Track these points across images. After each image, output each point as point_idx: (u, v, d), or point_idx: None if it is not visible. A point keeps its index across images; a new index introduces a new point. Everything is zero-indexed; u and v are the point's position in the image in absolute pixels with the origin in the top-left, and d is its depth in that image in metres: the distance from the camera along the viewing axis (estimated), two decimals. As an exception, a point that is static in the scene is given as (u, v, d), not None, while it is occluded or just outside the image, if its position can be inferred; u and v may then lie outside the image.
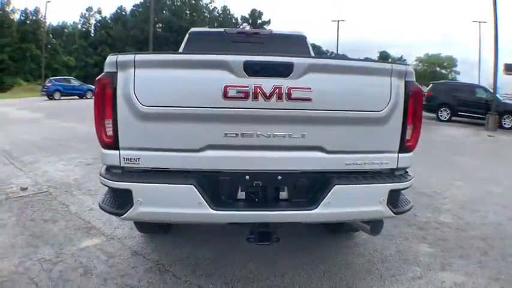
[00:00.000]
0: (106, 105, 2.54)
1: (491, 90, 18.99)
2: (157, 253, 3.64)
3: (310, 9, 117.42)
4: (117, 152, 2.59)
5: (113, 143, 2.58)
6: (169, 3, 70.17)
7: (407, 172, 2.88)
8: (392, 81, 2.68)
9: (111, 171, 2.66)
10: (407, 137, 2.77)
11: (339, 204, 2.58)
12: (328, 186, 2.59)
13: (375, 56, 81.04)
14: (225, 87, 2.50)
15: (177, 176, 2.57)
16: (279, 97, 2.53)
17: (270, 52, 5.12)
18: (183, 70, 2.57)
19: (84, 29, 68.90)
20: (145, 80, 2.52)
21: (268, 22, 73.79)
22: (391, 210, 2.67)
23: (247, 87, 2.51)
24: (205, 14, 70.59)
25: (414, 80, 2.75)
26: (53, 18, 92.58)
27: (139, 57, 2.54)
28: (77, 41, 66.11)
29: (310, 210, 2.56)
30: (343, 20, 62.68)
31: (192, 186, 2.48)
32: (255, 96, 2.52)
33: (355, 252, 3.81)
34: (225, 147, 2.60)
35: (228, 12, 73.80)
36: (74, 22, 69.24)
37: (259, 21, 72.04)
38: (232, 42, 5.33)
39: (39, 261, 3.41)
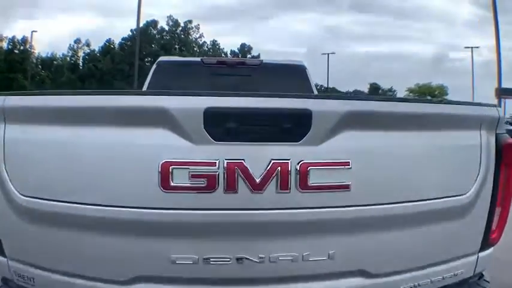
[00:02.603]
0: None
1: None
2: None
3: (299, 43, 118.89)
4: (5, 259, 1.55)
5: None
6: (158, 37, 70.16)
7: (483, 276, 1.82)
8: (481, 137, 1.63)
9: (6, 284, 1.61)
10: (494, 226, 1.73)
11: None
12: None
13: (366, 88, 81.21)
14: (164, 166, 1.37)
15: None
16: (283, 184, 1.41)
17: (261, 88, 3.84)
18: (90, 128, 1.46)
19: (72, 61, 68.21)
20: (24, 147, 1.46)
21: (258, 56, 73.88)
22: None
23: (214, 165, 1.39)
24: (195, 49, 70.43)
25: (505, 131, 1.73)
26: (42, 48, 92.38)
27: (13, 101, 1.46)
28: (65, 73, 65.21)
29: None
30: (333, 53, 62.54)
31: None
32: (230, 185, 1.39)
33: None
34: (172, 282, 1.46)
35: (217, 46, 73.99)
36: (63, 54, 68.50)
37: (248, 55, 72.20)
38: (211, 74, 4.31)
39: None
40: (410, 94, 76.85)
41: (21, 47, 60.31)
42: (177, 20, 70.79)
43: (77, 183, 1.44)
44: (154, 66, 4.65)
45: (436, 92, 74.95)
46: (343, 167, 1.44)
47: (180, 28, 71.23)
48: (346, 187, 1.45)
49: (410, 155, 1.57)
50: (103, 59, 65.44)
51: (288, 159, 1.40)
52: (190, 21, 71.24)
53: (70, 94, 1.72)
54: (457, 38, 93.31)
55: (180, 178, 1.38)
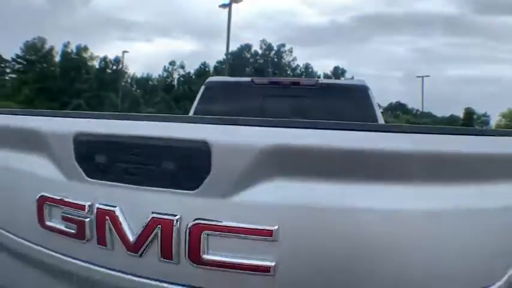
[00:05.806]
0: None
1: None
2: None
3: (393, 66, 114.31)
4: None
5: None
6: (252, 60, 70.68)
7: None
8: None
9: None
10: None
11: None
12: None
13: (461, 113, 75.43)
14: (41, 201, 1.24)
15: None
16: (165, 251, 1.08)
17: (316, 111, 3.98)
18: None
19: (167, 83, 70.24)
20: None
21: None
22: None
23: (84, 209, 1.17)
24: (288, 72, 69.85)
25: None
26: (137, 69, 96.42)
27: None
28: (159, 93, 67.21)
29: None
30: (427, 76, 59.19)
31: None
32: (101, 239, 1.15)
33: None
34: None
35: (310, 70, 72.90)
36: (159, 75, 70.83)
37: (342, 78, 70.24)
38: (263, 96, 4.07)
39: None
40: (503, 119, 70.72)
41: (114, 67, 62.70)
42: (270, 44, 71.34)
43: None
44: (202, 87, 4.32)
45: (531, 118, 68.37)
46: (263, 236, 1.00)
47: (274, 52, 71.46)
48: (266, 270, 1.01)
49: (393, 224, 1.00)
50: (198, 82, 66.72)
51: (175, 216, 1.06)
52: (283, 45, 71.51)
53: None
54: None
55: (52, 216, 1.22)
